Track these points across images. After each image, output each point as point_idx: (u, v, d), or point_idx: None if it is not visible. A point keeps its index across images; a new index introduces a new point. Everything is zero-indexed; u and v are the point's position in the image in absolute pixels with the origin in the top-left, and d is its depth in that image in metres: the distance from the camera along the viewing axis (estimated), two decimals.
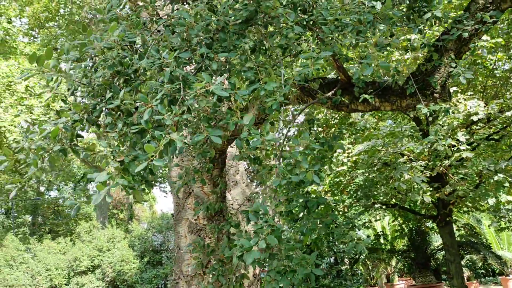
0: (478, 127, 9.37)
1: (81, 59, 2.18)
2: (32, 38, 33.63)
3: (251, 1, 1.94)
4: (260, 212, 2.04)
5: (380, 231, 16.55)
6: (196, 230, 4.78)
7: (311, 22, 2.15)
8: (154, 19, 2.18)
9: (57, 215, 41.88)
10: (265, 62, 2.19)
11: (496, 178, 8.97)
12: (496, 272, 19.48)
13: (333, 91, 3.07)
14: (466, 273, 17.70)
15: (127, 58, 1.89)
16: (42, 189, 45.83)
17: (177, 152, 1.73)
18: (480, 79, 10.16)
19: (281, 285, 2.37)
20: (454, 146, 9.20)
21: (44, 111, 26.63)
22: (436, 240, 18.57)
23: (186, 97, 1.69)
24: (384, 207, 12.36)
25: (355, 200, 12.44)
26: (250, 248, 1.86)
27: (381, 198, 12.15)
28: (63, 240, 26.94)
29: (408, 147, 9.58)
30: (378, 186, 11.40)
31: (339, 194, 12.43)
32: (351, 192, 12.60)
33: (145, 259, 24.44)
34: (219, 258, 2.89)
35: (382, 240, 15.97)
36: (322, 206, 2.57)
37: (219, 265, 2.86)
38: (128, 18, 2.24)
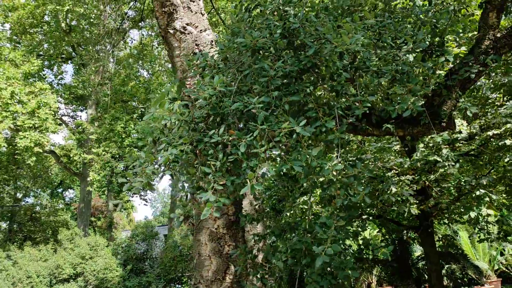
0: (461, 144, 10.01)
1: (178, 99, 2.58)
2: (15, 44, 33.38)
3: (314, 55, 2.42)
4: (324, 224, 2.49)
5: (368, 239, 17.10)
6: (216, 239, 5.18)
7: (354, 69, 2.63)
8: (237, 69, 2.60)
9: (34, 222, 41.17)
10: (322, 102, 2.66)
11: (478, 193, 9.61)
12: (472, 281, 20.29)
13: (354, 118, 3.53)
14: (445, 282, 18.41)
15: (223, 102, 2.31)
16: (19, 195, 45.12)
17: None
18: (462, 99, 10.82)
19: (322, 285, 2.83)
20: (438, 162, 9.81)
21: (28, 117, 26.51)
22: (416, 250, 19.28)
23: (274, 134, 2.14)
24: (370, 218, 12.92)
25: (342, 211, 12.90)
26: (319, 252, 2.30)
27: (367, 209, 12.70)
28: (44, 248, 26.74)
29: (396, 162, 10.16)
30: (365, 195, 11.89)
31: (328, 205, 12.90)
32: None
33: (128, 267, 24.47)
34: (261, 263, 3.31)
35: (365, 250, 16.50)
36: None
37: (262, 269, 3.27)
38: (216, 66, 2.67)
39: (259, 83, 2.41)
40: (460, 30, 4.72)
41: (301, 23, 2.56)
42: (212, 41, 5.07)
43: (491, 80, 9.51)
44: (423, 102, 3.52)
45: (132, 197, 51.00)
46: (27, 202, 45.60)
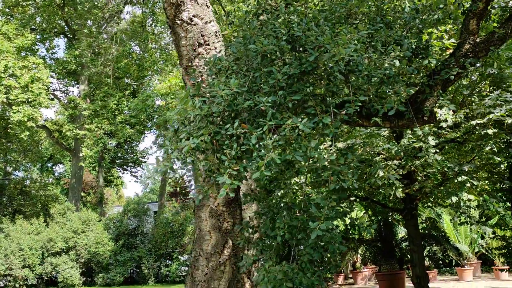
0: (446, 132, 10.48)
1: (197, 95, 2.95)
2: (7, 16, 33.07)
3: (314, 60, 2.81)
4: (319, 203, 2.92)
5: (354, 219, 17.73)
6: (216, 215, 5.63)
7: (348, 71, 3.03)
8: (246, 69, 2.98)
9: (24, 195, 41.31)
10: (320, 101, 3.07)
11: (460, 179, 10.13)
12: (453, 263, 21.12)
13: (340, 110, 3.94)
14: (427, 262, 19.19)
15: (237, 100, 2.70)
16: (9, 169, 45.17)
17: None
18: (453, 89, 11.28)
19: (314, 257, 3.29)
20: (423, 148, 10.28)
21: (21, 91, 26.53)
22: (400, 232, 20.00)
23: (280, 129, 2.54)
24: (357, 200, 13.45)
25: (332, 193, 13.43)
26: (314, 227, 2.74)
27: (356, 192, 13.21)
28: (36, 221, 27.11)
29: (384, 148, 10.62)
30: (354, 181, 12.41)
31: (317, 187, 13.42)
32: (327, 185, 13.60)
33: (120, 242, 24.99)
34: (260, 237, 3.74)
35: (352, 230, 17.15)
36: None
37: (262, 242, 3.72)
38: (230, 67, 3.05)
39: (268, 84, 2.82)
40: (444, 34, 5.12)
41: (303, 31, 2.96)
42: (216, 32, 5.42)
43: (477, 73, 9.95)
44: (407, 98, 3.94)
45: (123, 173, 51.27)
46: (17, 175, 45.68)
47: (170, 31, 5.45)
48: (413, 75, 3.67)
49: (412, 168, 11.15)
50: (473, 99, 10.87)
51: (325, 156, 2.76)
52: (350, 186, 2.92)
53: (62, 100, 35.80)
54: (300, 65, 2.94)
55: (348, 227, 16.00)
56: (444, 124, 9.94)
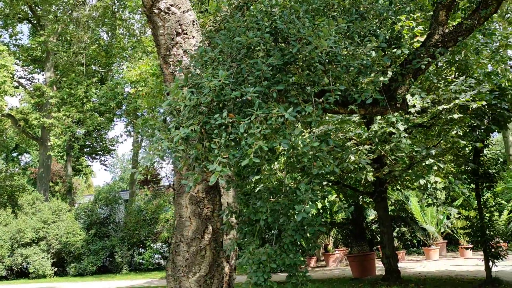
0: (414, 117, 10.83)
1: (184, 86, 3.03)
2: None
3: (296, 52, 2.95)
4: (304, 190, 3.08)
5: (332, 202, 18.17)
6: (196, 202, 5.75)
7: (327, 61, 3.17)
8: (232, 60, 3.08)
9: None
10: (303, 91, 3.21)
11: (427, 162, 10.53)
12: (421, 244, 21.89)
13: (323, 98, 4.11)
14: (396, 243, 19.83)
15: (225, 90, 2.80)
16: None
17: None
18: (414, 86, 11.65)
19: (296, 238, 3.47)
20: (393, 133, 10.62)
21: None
22: (370, 214, 20.57)
23: (267, 118, 2.67)
24: (330, 184, 13.78)
25: (304, 177, 13.72)
26: (300, 210, 2.90)
27: (328, 176, 13.53)
28: (4, 212, 26.55)
29: (355, 133, 10.92)
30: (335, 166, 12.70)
31: (291, 172, 13.67)
32: (299, 170, 13.87)
33: (92, 231, 24.78)
34: (244, 221, 3.88)
35: (324, 214, 17.57)
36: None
37: (246, 226, 3.86)
38: (216, 59, 3.14)
39: (253, 75, 2.94)
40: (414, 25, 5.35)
41: (285, 23, 3.09)
42: (193, 21, 5.48)
43: (444, 60, 10.29)
44: (380, 87, 4.14)
45: (91, 162, 50.50)
46: None
47: (148, 20, 5.48)
48: (387, 65, 3.85)
49: (382, 153, 11.52)
50: (439, 85, 11.26)
51: (307, 143, 2.92)
52: (331, 172, 3.09)
53: (27, 88, 34.85)
54: (282, 56, 3.07)
55: (321, 211, 16.39)
56: (412, 110, 10.28)
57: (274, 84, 3.07)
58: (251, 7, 3.58)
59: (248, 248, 3.45)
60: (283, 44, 3.17)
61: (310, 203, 2.94)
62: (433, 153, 10.50)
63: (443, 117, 10.72)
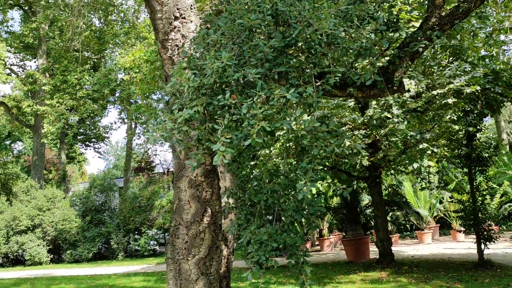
0: (408, 102, 10.93)
1: (188, 68, 3.07)
2: None
3: (295, 34, 2.99)
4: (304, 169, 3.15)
5: (317, 191, 18.31)
6: (195, 185, 5.81)
7: (327, 45, 3.22)
8: (234, 42, 3.12)
9: None
10: (304, 72, 3.26)
11: (421, 146, 10.64)
12: (414, 228, 22.15)
13: (323, 81, 4.16)
14: (390, 227, 20.08)
15: (227, 71, 2.84)
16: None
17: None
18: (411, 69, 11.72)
19: (297, 218, 3.55)
20: (388, 118, 10.71)
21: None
22: (364, 199, 20.77)
23: (269, 99, 2.72)
24: (325, 169, 13.89)
25: (299, 163, 13.82)
26: (301, 188, 2.97)
27: (323, 161, 13.65)
28: None
29: (350, 118, 11.00)
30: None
31: (288, 156, 13.75)
32: (294, 155, 13.97)
33: (87, 218, 24.84)
34: (246, 202, 3.95)
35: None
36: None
37: (247, 206, 3.93)
38: (218, 41, 3.17)
39: (255, 57, 2.99)
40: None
41: (287, 6, 3.12)
42: (191, 5, 5.49)
43: (439, 44, 10.35)
44: (378, 69, 4.19)
45: (85, 149, 50.37)
46: None
47: (145, 5, 5.48)
48: (385, 48, 3.90)
49: (377, 138, 11.63)
50: (433, 70, 11.34)
51: (308, 124, 2.98)
52: (331, 152, 3.16)
53: (20, 75, 34.57)
54: (283, 39, 3.11)
55: (315, 196, 16.52)
56: (407, 94, 10.36)
57: (276, 66, 3.12)
58: None
59: (249, 228, 3.52)
60: (282, 28, 3.21)
61: (310, 182, 3.01)
62: (427, 138, 10.62)
63: (437, 102, 10.82)
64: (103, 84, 29.26)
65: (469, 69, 10.27)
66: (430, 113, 12.52)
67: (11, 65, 34.90)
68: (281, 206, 3.62)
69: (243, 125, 2.75)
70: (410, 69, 4.01)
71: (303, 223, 17.48)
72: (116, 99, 35.10)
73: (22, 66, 37.25)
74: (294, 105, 3.29)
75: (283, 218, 3.62)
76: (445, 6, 4.33)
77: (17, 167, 46.07)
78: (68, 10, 28.43)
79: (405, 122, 9.37)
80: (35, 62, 36.33)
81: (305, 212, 3.50)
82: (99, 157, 51.40)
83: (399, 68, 4.19)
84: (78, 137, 46.52)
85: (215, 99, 2.87)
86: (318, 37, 2.94)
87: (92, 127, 45.80)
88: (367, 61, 3.42)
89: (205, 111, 2.92)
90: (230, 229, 4.33)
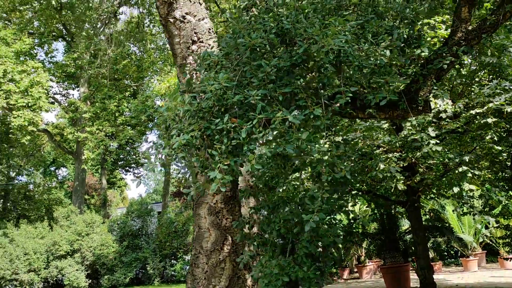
0: (446, 123, 10.45)
1: (187, 91, 2.95)
2: (5, 21, 33.06)
3: (304, 52, 2.80)
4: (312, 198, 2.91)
5: (356, 216, 17.74)
6: (214, 212, 5.62)
7: (339, 63, 3.01)
8: (238, 63, 2.98)
9: (28, 200, 41.37)
10: (312, 93, 3.06)
11: (460, 169, 10.10)
12: (458, 254, 21.09)
13: (331, 101, 3.92)
14: (431, 254, 19.17)
15: (226, 94, 2.69)
16: (12, 174, 45.20)
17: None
18: (448, 77, 11.26)
19: (310, 250, 3.28)
20: (423, 140, 10.25)
21: (21, 96, 26.55)
22: (404, 224, 19.98)
23: (270, 122, 2.53)
24: (359, 193, 13.44)
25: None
26: (308, 220, 2.73)
27: (357, 185, 13.19)
28: (40, 225, 27.16)
29: (384, 140, 10.61)
30: (355, 175, 12.42)
31: (317, 181, 13.40)
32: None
33: (125, 243, 25.04)
34: (257, 233, 3.74)
35: (355, 224, 17.17)
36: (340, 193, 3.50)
37: (259, 237, 3.71)
38: (219, 62, 3.04)
39: (257, 78, 2.81)
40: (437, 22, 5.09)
41: (292, 24, 2.95)
42: (209, 29, 5.41)
43: (476, 63, 9.92)
44: (401, 89, 3.93)
45: (125, 175, 51.34)
46: (21, 180, 45.71)
47: (163, 30, 5.44)
48: (406, 65, 3.65)
49: (413, 160, 11.14)
50: (472, 88, 10.84)
51: (317, 148, 2.76)
52: (345, 178, 2.90)
53: (62, 103, 35.85)
54: (289, 58, 2.93)
55: (352, 221, 16.01)
56: (443, 115, 9.91)
57: (281, 87, 2.92)
58: (254, 7, 3.46)
59: (260, 260, 3.29)
60: (284, 46, 3.02)
61: (320, 211, 2.76)
62: (467, 160, 10.08)
63: (477, 122, 10.29)
64: (140, 110, 29.87)
65: (510, 87, 9.74)
66: (469, 134, 11.97)
67: (54, 94, 36.24)
68: (295, 237, 3.37)
69: (243, 150, 2.56)
70: (435, 87, 3.71)
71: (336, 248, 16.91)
72: (154, 125, 35.74)
73: (66, 95, 38.63)
74: (306, 128, 3.07)
75: (297, 249, 3.37)
76: (471, 19, 4.06)
77: (61, 192, 47.44)
78: (104, 40, 29.40)
79: (439, 148, 8.90)
80: (77, 90, 37.63)
81: (320, 244, 3.24)
82: (131, 179, 52.17)
83: (423, 87, 3.91)
84: (118, 163, 47.53)
85: (213, 123, 2.70)
86: (329, 55, 2.74)
87: (132, 153, 46.74)
88: (383, 79, 3.18)
89: (204, 136, 2.75)
90: (242, 261, 4.10)
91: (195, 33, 5.18)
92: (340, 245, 17.54)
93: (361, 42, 3.05)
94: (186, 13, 5.19)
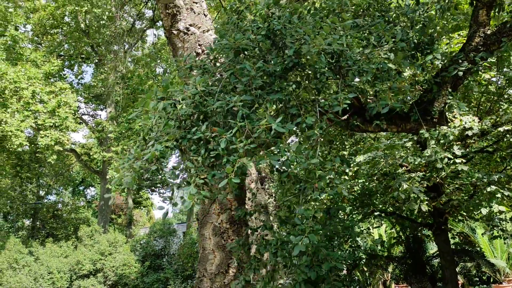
0: (473, 141, 9.96)
1: (165, 98, 2.72)
2: (36, 44, 34.06)
3: (295, 55, 2.53)
4: (301, 216, 2.61)
5: (378, 239, 17.14)
6: (219, 233, 5.33)
7: (338, 67, 2.73)
8: (219, 65, 2.75)
9: (56, 219, 41.99)
10: (304, 100, 2.78)
11: (489, 189, 9.55)
12: (491, 280, 20.07)
13: (348, 115, 3.63)
14: (461, 280, 18.27)
15: (205, 101, 2.45)
16: (41, 193, 45.98)
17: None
18: (475, 95, 10.79)
19: (310, 276, 2.95)
20: (450, 159, 9.77)
21: (48, 116, 27.07)
22: (432, 248, 19.17)
23: (250, 131, 2.26)
24: (382, 215, 12.94)
25: (355, 208, 13.01)
26: (297, 243, 2.41)
27: (380, 206, 12.71)
28: (65, 244, 27.32)
29: (406, 159, 10.16)
30: (378, 195, 11.96)
31: (340, 202, 12.98)
32: (351, 201, 13.17)
33: (147, 264, 24.88)
34: (254, 255, 3.44)
35: (379, 247, 16.55)
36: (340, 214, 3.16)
37: (255, 260, 3.40)
38: (201, 66, 2.82)
39: (241, 83, 2.55)
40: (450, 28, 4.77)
41: (283, 24, 2.69)
42: (214, 40, 5.22)
43: (502, 76, 9.47)
44: (414, 99, 3.61)
45: (151, 194, 51.61)
46: (50, 199, 46.49)
47: (167, 42, 5.28)
48: (417, 73, 3.34)
49: (438, 180, 10.62)
50: (500, 104, 10.35)
51: (307, 161, 2.45)
52: (340, 196, 2.58)
53: (89, 123, 36.46)
54: (282, 62, 2.67)
55: (375, 244, 15.42)
56: (469, 132, 9.44)
57: (272, 93, 2.65)
58: (245, 9, 3.22)
59: (255, 286, 2.98)
60: (276, 50, 2.75)
61: (311, 233, 2.44)
62: (496, 179, 9.53)
63: (506, 139, 9.78)
64: (138, 129, 30.13)
65: None
66: (499, 153, 11.41)
67: (82, 114, 36.89)
68: (292, 261, 3.04)
69: (223, 162, 2.29)
70: (450, 97, 3.38)
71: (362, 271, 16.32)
72: None
73: (93, 115, 39.30)
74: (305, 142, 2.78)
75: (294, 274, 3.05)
76: (490, 23, 3.71)
77: (89, 212, 47.99)
78: (126, 61, 29.87)
79: (465, 167, 8.42)
80: (105, 111, 38.24)
81: (320, 269, 2.90)
82: (163, 202, 52.47)
83: (437, 97, 3.57)
84: (145, 182, 47.83)
85: (191, 132, 2.44)
86: (321, 57, 2.45)
87: (158, 173, 46.94)
88: (386, 85, 2.86)
89: (183, 148, 2.50)
90: (236, 285, 3.78)
91: (199, 45, 4.98)
92: (365, 268, 16.88)
93: (362, 44, 2.77)
94: (190, 25, 5.02)
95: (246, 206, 6.19)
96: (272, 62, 2.68)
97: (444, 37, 5.84)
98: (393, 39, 2.83)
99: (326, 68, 2.67)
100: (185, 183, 2.49)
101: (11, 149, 27.38)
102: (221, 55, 2.87)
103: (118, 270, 24.48)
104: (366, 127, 3.82)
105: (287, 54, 2.64)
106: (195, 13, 5.07)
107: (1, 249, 26.84)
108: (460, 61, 3.58)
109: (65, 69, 34.07)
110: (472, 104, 11.30)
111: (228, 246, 4.53)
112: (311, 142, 2.62)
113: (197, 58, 5.16)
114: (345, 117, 3.67)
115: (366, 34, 2.90)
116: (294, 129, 2.37)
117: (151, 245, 25.94)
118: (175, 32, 5.06)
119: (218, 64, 2.94)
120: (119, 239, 26.23)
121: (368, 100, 3.17)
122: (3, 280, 24.49)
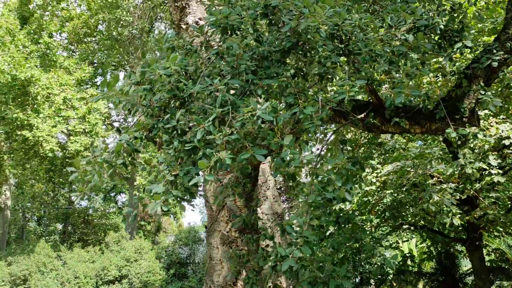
0: (510, 151, 9.29)
1: (141, 83, 2.41)
2: (71, 52, 34.77)
3: (293, 33, 2.17)
4: (294, 225, 2.23)
5: (408, 253, 16.40)
6: (228, 242, 4.95)
7: (347, 52, 2.35)
8: (204, 46, 2.43)
9: (86, 224, 42.62)
10: (304, 88, 2.40)
11: None
12: None
13: (365, 113, 3.22)
14: None
15: (182, 84, 2.12)
16: (73, 198, 46.62)
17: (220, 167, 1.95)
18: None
19: None
20: (485, 169, 9.15)
21: (79, 122, 27.43)
22: (465, 265, 18.22)
23: (234, 119, 1.90)
24: (412, 228, 12.30)
25: (383, 220, 12.43)
26: (286, 256, 2.04)
27: (409, 219, 12.09)
28: (92, 249, 27.51)
29: (437, 169, 9.57)
30: (407, 207, 11.37)
31: (366, 213, 12.43)
32: (379, 212, 12.60)
33: (171, 271, 24.74)
34: (253, 268, 3.08)
35: (409, 262, 15.81)
36: (351, 223, 2.75)
37: (253, 274, 3.04)
38: (184, 47, 2.49)
39: (228, 64, 2.19)
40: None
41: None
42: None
43: None
44: (441, 95, 3.16)
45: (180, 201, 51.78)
46: (81, 205, 47.21)
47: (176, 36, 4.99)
48: (444, 64, 2.91)
49: (472, 192, 9.96)
50: None
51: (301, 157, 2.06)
52: (337, 198, 2.17)
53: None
54: (280, 43, 2.30)
55: (405, 258, 14.74)
56: (507, 142, 8.81)
57: (265, 78, 2.27)
58: None
59: None
60: (275, 31, 2.38)
61: (306, 244, 2.05)
62: None
63: None
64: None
65: None
66: None
67: (113, 121, 37.35)
68: (294, 276, 2.64)
69: (196, 156, 1.93)
70: (482, 92, 2.93)
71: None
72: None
73: (123, 122, 39.77)
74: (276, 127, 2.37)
75: None
76: None
77: (119, 218, 48.54)
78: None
79: (502, 179, 7.81)
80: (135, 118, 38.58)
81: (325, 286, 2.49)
82: (191, 210, 52.56)
83: (468, 92, 3.12)
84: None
85: (163, 121, 2.10)
86: (319, 31, 2.06)
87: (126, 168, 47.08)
88: (403, 72, 2.44)
89: (157, 140, 2.16)
90: None
91: (208, 40, 4.68)
92: (394, 284, 16.13)
93: (377, 24, 2.36)
94: (200, 19, 4.71)
95: (259, 215, 5.80)
96: (268, 42, 2.32)
97: (475, 25, 5.33)
98: (412, 19, 2.42)
99: (333, 53, 2.29)
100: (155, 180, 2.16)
101: (43, 154, 27.85)
102: (212, 37, 2.54)
103: (143, 277, 24.40)
104: (386, 128, 3.39)
105: (284, 34, 2.28)
106: (204, 6, 4.79)
107: (31, 252, 27.23)
108: (495, 51, 3.13)
109: (97, 76, 34.61)
110: (510, 112, 10.58)
111: (234, 252, 4.17)
112: (311, 136, 2.24)
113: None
114: (363, 115, 3.24)
115: (381, 13, 2.51)
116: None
117: (176, 253, 25.81)
118: (183, 26, 4.77)
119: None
120: (145, 246, 26.21)
121: (382, 91, 2.77)
122: (31, 283, 24.77)
